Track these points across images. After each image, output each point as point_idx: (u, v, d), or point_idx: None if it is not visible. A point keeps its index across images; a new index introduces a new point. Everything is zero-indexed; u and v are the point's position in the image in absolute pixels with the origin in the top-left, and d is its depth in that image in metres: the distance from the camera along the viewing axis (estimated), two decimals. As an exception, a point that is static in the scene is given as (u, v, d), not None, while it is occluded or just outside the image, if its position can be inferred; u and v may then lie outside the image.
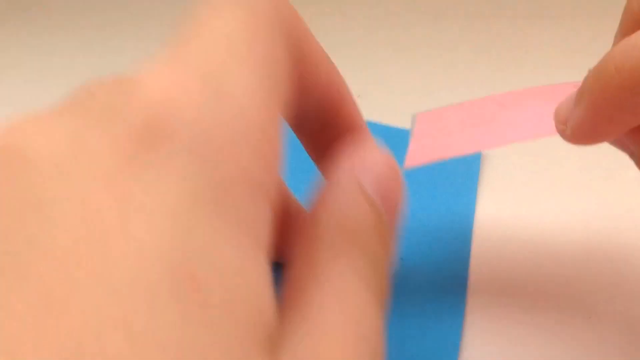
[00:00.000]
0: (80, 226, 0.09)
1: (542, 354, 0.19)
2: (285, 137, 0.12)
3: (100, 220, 0.09)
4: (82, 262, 0.09)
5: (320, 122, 0.17)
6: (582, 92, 0.18)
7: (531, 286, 0.22)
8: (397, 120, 0.30)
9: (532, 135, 0.20)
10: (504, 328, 0.20)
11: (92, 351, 0.08)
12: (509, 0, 0.41)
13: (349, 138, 0.15)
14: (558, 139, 0.19)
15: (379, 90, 0.33)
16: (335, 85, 0.17)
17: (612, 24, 0.38)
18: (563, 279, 0.22)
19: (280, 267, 0.13)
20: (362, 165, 0.14)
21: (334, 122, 0.17)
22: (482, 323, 0.20)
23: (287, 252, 0.14)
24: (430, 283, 0.22)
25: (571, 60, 0.35)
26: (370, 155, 0.14)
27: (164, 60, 0.12)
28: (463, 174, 0.27)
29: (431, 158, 0.20)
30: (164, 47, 0.12)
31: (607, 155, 0.22)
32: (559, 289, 0.21)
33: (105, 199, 0.09)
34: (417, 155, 0.22)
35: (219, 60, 0.12)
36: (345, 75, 0.34)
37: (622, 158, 0.20)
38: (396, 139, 0.25)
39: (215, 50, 0.12)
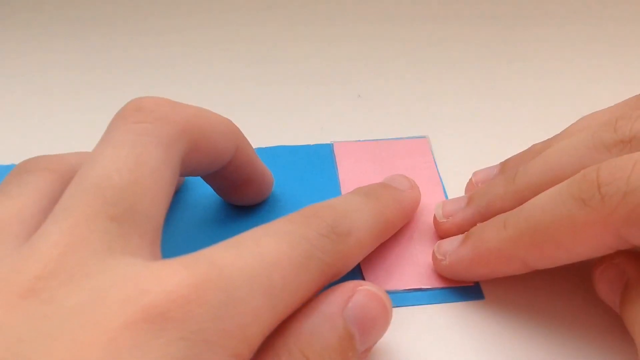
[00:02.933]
0: (71, 359, 0.12)
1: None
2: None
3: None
4: None
5: (228, 172, 0.22)
6: (471, 235, 0.21)
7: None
8: (397, 119, 0.30)
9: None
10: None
11: None
12: (510, 1, 0.41)
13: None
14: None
15: (379, 90, 0.33)
16: (241, 148, 0.21)
17: (612, 25, 0.39)
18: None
19: None
20: (349, 297, 0.17)
21: (242, 173, 0.22)
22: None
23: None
24: None
25: (571, 62, 0.35)
26: (359, 290, 0.17)
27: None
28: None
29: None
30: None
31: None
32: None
33: (103, 348, 0.13)
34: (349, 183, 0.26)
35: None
36: (346, 75, 0.35)
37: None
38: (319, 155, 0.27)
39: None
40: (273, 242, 0.16)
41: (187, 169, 0.19)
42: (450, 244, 0.22)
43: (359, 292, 0.17)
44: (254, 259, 0.15)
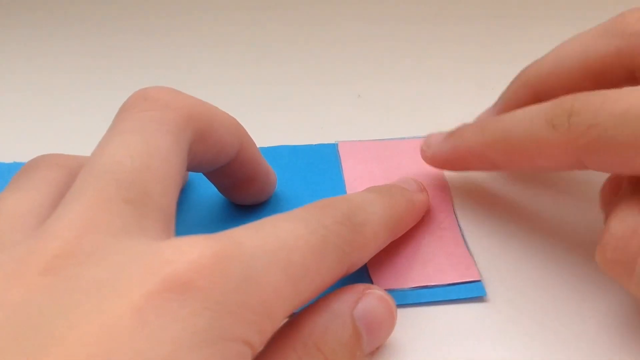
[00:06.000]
0: (100, 330, 0.12)
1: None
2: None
3: (119, 331, 0.12)
4: (92, 358, 0.12)
5: (232, 169, 0.22)
6: (454, 132, 0.24)
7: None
8: (397, 119, 0.30)
9: None
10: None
11: None
12: (511, 1, 0.41)
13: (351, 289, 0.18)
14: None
15: (379, 90, 0.33)
16: (245, 144, 0.21)
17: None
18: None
19: None
20: (359, 298, 0.18)
21: (246, 170, 0.22)
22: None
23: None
24: None
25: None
26: (369, 293, 0.18)
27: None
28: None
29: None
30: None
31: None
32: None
33: (128, 316, 0.12)
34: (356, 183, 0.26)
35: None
36: (346, 75, 0.35)
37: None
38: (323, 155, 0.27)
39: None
40: (291, 226, 0.16)
41: (193, 161, 0.19)
42: (437, 138, 0.25)
43: (369, 295, 0.18)
44: (273, 239, 0.15)
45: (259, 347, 0.14)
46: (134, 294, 0.13)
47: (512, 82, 0.26)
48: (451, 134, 0.24)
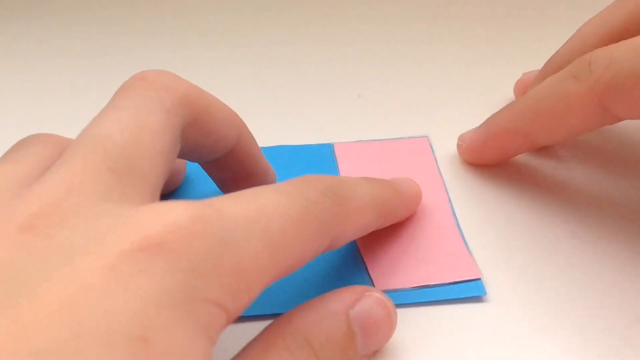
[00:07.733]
0: (72, 286, 0.12)
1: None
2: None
3: (91, 287, 0.13)
4: (63, 313, 0.12)
5: (230, 162, 0.22)
6: (485, 120, 0.26)
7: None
8: (397, 120, 0.30)
9: None
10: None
11: None
12: (511, 1, 0.41)
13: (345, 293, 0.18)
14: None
15: (379, 90, 0.33)
16: (244, 138, 0.21)
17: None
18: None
19: None
20: (357, 300, 0.18)
21: (244, 164, 0.22)
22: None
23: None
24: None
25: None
26: (368, 295, 0.18)
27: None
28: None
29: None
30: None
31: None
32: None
33: (101, 274, 0.13)
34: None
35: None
36: (345, 75, 0.34)
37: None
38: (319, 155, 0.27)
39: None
40: (272, 196, 0.16)
41: (188, 146, 0.19)
42: (469, 132, 0.26)
43: (368, 297, 0.18)
44: (252, 207, 0.15)
45: (235, 313, 0.15)
46: (107, 252, 0.13)
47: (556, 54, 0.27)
48: (482, 123, 0.26)
